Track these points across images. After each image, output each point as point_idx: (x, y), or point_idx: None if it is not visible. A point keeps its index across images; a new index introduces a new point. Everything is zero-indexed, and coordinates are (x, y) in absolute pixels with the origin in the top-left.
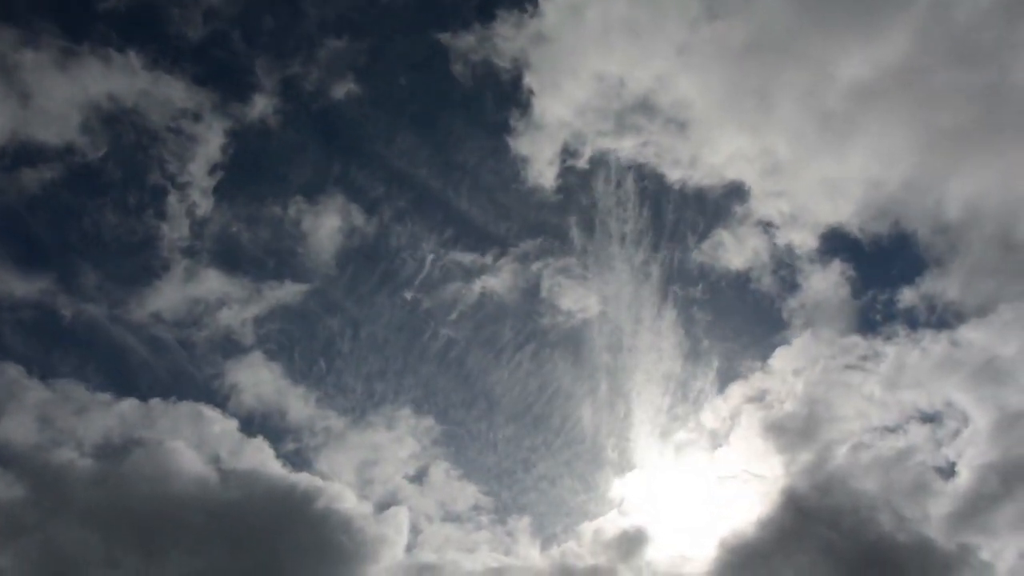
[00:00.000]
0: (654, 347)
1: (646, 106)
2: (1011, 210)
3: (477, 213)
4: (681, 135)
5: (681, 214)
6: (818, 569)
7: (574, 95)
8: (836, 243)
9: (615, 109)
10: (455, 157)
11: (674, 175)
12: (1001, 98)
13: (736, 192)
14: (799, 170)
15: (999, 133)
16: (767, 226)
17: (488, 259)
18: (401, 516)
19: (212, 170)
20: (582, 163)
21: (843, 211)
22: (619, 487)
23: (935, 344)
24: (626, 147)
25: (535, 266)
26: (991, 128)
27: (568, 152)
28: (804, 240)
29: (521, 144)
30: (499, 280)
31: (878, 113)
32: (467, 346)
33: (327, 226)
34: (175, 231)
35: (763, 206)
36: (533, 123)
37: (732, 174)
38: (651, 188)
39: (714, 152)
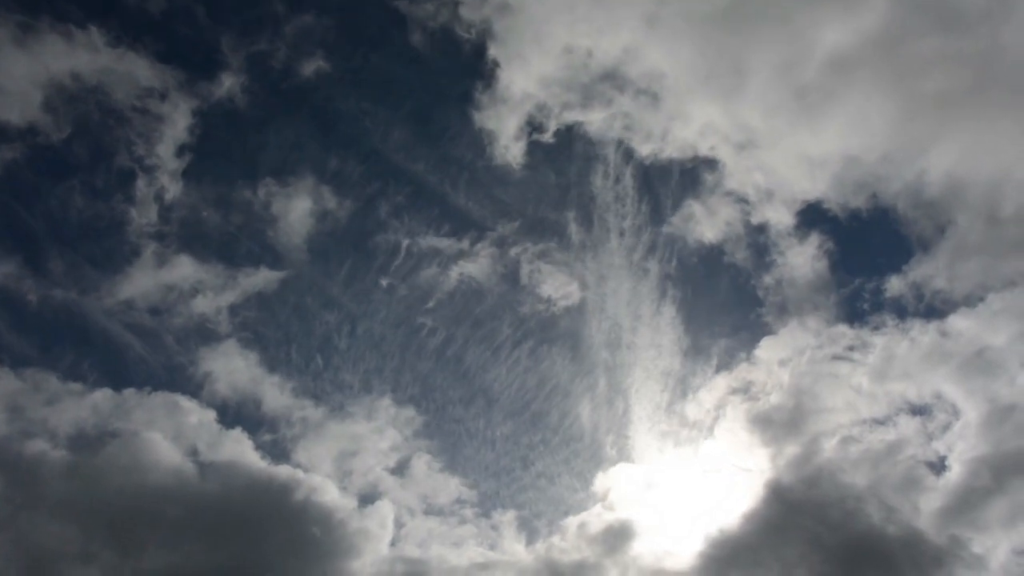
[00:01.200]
0: (611, 317)
1: (615, 78)
2: (996, 182)
3: (449, 191)
4: (652, 107)
5: (654, 188)
6: (806, 563)
7: (540, 66)
8: (813, 219)
9: (583, 81)
10: (428, 137)
11: (644, 149)
12: (986, 64)
13: (709, 166)
14: (775, 144)
15: (984, 101)
16: (741, 202)
17: (465, 243)
18: (386, 510)
19: (180, 152)
20: (548, 137)
21: (820, 186)
22: (604, 481)
23: (924, 334)
24: (595, 120)
25: (513, 251)
26: (975, 96)
27: (533, 126)
28: (780, 217)
29: (486, 118)
30: (477, 266)
31: (857, 83)
32: (447, 334)
33: (298, 209)
34: (144, 216)
35: (737, 181)
36: (498, 96)
37: (705, 148)
38: (621, 161)
39: (686, 125)
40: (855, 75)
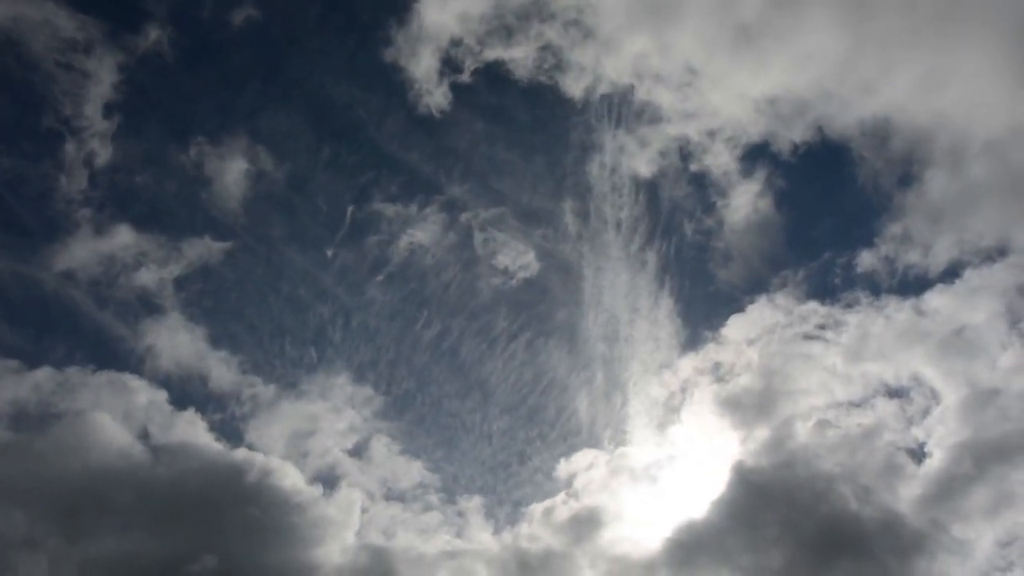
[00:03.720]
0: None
1: (540, 9)
2: (959, 128)
3: (398, 151)
4: (581, 44)
5: (583, 127)
6: (779, 550)
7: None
8: (757, 160)
9: (504, 14)
10: (365, 84)
11: (575, 89)
12: None
13: (644, 105)
14: (715, 83)
15: (935, 32)
16: (681, 143)
17: (413, 209)
18: (353, 496)
19: (108, 112)
20: (466, 77)
21: (763, 127)
22: (568, 467)
23: (899, 312)
24: (517, 57)
25: (464, 216)
26: (926, 28)
27: (452, 65)
28: (721, 159)
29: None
30: (427, 233)
31: (800, 18)
32: (402, 306)
33: (234, 170)
34: (74, 182)
35: (675, 120)
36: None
37: (642, 92)
38: (548, 100)
39: (619, 62)
40: (801, 11)
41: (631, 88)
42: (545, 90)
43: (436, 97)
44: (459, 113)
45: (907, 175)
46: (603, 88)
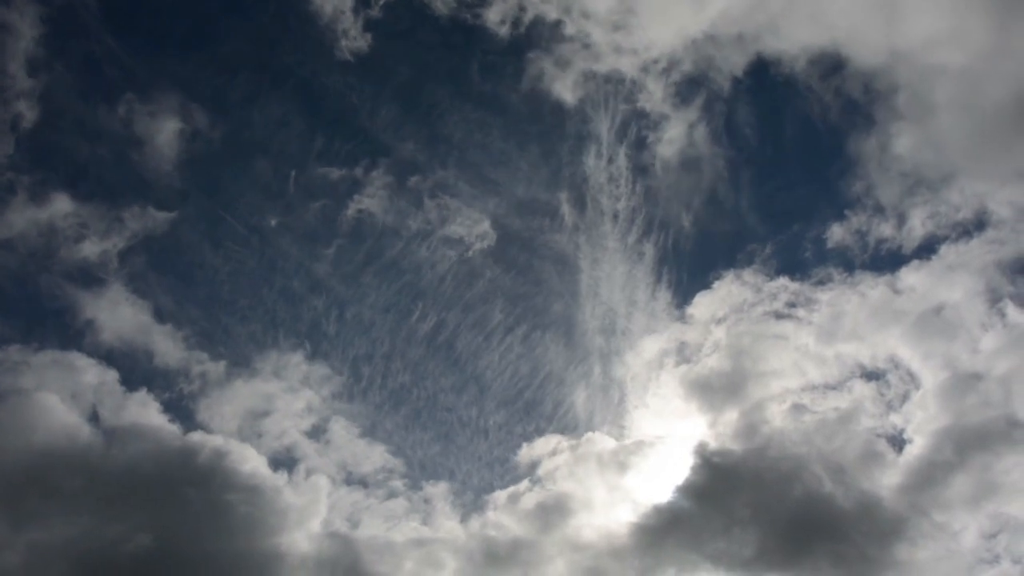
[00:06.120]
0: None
1: None
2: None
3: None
4: None
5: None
6: (751, 536)
7: None
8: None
9: None
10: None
11: (491, 15)
12: None
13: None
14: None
15: None
16: (614, 81)
17: (359, 172)
18: (320, 483)
19: (32, 69)
20: (376, 12)
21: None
22: (531, 452)
23: (873, 289)
24: None
25: (412, 179)
26: None
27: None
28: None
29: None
30: (375, 200)
31: None
32: (354, 279)
33: (166, 130)
34: (2, 147)
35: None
36: None
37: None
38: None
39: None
40: None
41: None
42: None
43: (355, 40)
44: (381, 54)
45: (867, 120)
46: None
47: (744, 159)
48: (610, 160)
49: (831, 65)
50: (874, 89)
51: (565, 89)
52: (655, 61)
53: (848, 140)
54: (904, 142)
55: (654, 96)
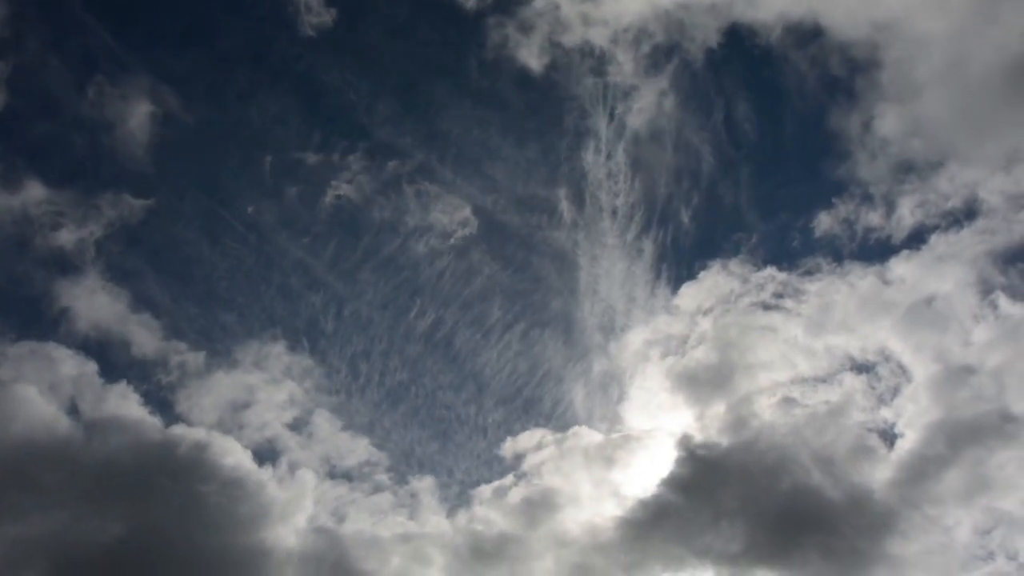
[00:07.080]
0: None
1: None
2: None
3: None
4: None
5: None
6: (739, 530)
7: None
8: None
9: None
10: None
11: None
12: None
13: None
14: None
15: None
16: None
17: (335, 157)
18: (306, 477)
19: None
20: None
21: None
22: (515, 446)
23: (862, 279)
24: None
25: (391, 164)
26: None
27: None
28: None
29: None
30: (354, 187)
31: None
32: (332, 267)
33: (138, 113)
34: None
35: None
36: None
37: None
38: None
39: None
40: None
41: None
42: None
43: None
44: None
45: (850, 97)
46: None
47: (723, 142)
48: (609, 156)
49: (808, 35)
50: (856, 62)
51: (531, 56)
52: (625, 30)
53: (831, 120)
54: (890, 124)
55: (624, 68)
